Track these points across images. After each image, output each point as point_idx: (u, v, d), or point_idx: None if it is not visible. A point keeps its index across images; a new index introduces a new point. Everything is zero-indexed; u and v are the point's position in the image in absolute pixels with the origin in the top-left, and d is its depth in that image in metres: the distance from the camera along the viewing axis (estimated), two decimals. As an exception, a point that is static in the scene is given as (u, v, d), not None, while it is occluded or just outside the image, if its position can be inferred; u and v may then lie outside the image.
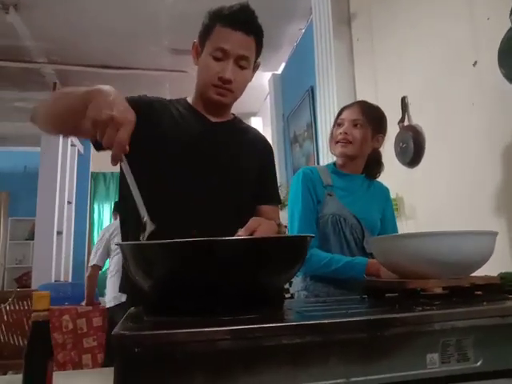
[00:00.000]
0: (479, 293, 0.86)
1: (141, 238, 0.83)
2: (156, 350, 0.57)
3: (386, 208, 1.59)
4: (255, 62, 1.18)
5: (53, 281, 4.70)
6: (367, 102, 1.61)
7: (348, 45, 2.88)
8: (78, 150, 6.01)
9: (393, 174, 1.87)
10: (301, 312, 0.83)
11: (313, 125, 3.49)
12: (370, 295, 0.95)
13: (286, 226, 1.82)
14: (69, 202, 5.55)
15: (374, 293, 0.94)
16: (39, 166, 5.10)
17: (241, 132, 1.27)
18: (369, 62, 2.65)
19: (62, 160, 5.20)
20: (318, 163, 3.23)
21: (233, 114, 1.29)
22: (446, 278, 0.84)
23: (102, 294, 3.57)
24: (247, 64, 1.13)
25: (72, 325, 3.05)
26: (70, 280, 5.37)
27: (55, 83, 4.75)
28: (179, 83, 4.53)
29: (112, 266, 3.32)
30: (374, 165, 1.60)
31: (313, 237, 0.79)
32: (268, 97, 4.90)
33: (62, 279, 5.12)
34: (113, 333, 0.57)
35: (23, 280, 6.44)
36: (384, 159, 1.65)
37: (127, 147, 0.78)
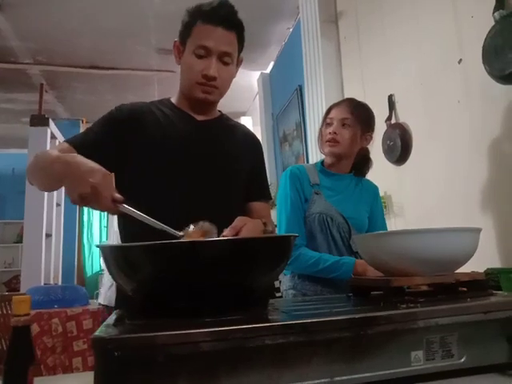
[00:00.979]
0: (464, 289, 0.86)
1: None
2: (137, 353, 0.56)
3: (374, 206, 1.59)
4: (238, 57, 1.17)
5: (42, 284, 4.65)
6: (355, 100, 1.60)
7: (335, 43, 2.89)
8: (67, 152, 5.94)
9: (380, 172, 1.88)
10: (285, 311, 0.83)
11: (302, 124, 3.49)
12: (356, 293, 0.95)
13: (276, 225, 1.82)
14: (57, 204, 5.49)
15: (359, 291, 0.94)
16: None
17: (229, 129, 1.26)
18: (356, 61, 2.66)
19: (50, 162, 5.12)
20: (308, 162, 3.23)
21: (219, 112, 1.27)
22: (431, 275, 0.84)
23: (92, 297, 3.55)
24: (230, 60, 1.12)
25: (61, 328, 3.01)
26: (59, 283, 5.32)
27: (42, 84, 4.70)
28: (167, 83, 4.52)
29: None
30: (362, 162, 1.60)
31: (297, 236, 0.79)
32: (257, 96, 4.89)
33: (51, 282, 5.06)
34: (92, 336, 0.56)
35: (12, 283, 6.36)
36: (371, 157, 1.65)
37: (119, 198, 0.82)
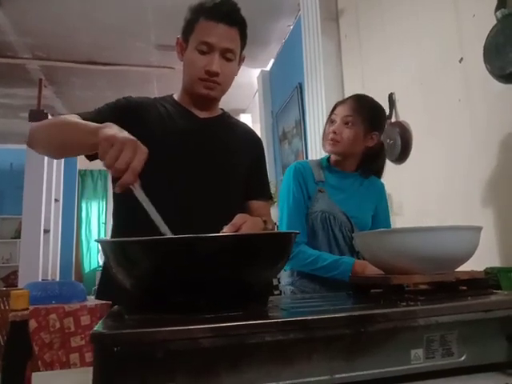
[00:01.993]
0: (464, 288, 0.86)
1: None
2: (136, 348, 0.56)
3: (379, 203, 1.56)
4: (240, 54, 1.17)
5: (40, 279, 4.65)
6: (363, 97, 1.54)
7: (336, 41, 2.88)
8: (65, 147, 5.92)
9: (380, 171, 1.87)
10: (285, 308, 0.83)
11: (301, 121, 3.48)
12: (356, 291, 0.95)
13: (276, 224, 1.82)
14: (56, 200, 5.48)
15: (359, 289, 0.94)
16: (25, 163, 5.03)
17: (230, 127, 1.26)
18: (356, 59, 2.65)
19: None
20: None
21: (221, 109, 1.28)
22: (431, 274, 0.84)
23: (90, 293, 3.54)
24: (233, 56, 1.13)
25: (59, 324, 3.01)
26: (57, 278, 5.32)
27: (41, 79, 4.68)
28: (166, 80, 4.50)
29: None
30: (370, 162, 1.53)
31: (298, 233, 0.79)
32: (257, 93, 4.88)
33: (49, 278, 5.06)
34: (92, 331, 0.56)
35: (10, 279, 6.35)
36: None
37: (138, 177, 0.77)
